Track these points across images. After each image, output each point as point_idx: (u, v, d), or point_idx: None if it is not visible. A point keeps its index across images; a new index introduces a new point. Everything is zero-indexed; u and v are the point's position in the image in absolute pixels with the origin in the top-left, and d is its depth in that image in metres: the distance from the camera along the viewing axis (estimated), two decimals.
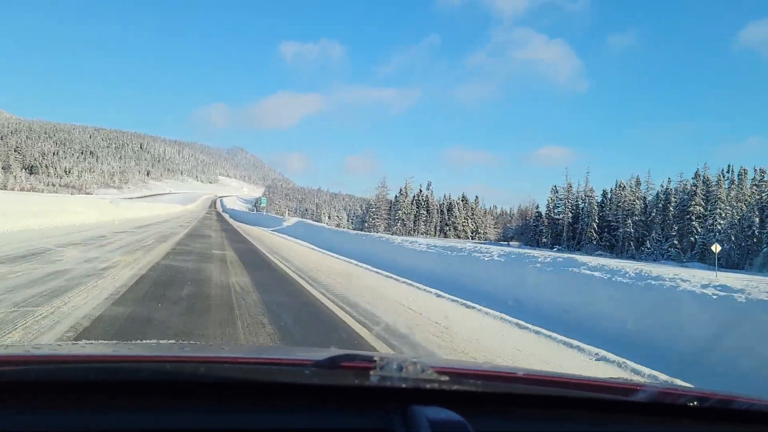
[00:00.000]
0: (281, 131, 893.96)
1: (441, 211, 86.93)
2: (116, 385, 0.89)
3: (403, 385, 0.91)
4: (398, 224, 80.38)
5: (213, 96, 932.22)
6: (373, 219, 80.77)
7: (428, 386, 0.93)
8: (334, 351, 1.08)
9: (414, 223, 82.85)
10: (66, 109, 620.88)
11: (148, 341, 2.85)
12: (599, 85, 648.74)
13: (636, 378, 3.70)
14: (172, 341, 2.82)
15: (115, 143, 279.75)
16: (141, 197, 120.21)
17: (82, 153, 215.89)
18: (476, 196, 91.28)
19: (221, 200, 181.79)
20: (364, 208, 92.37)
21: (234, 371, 0.98)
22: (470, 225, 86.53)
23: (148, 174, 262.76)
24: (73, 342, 3.41)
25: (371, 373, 0.91)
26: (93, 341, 3.22)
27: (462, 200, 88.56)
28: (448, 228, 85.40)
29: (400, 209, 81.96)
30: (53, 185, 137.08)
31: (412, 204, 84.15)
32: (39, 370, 0.91)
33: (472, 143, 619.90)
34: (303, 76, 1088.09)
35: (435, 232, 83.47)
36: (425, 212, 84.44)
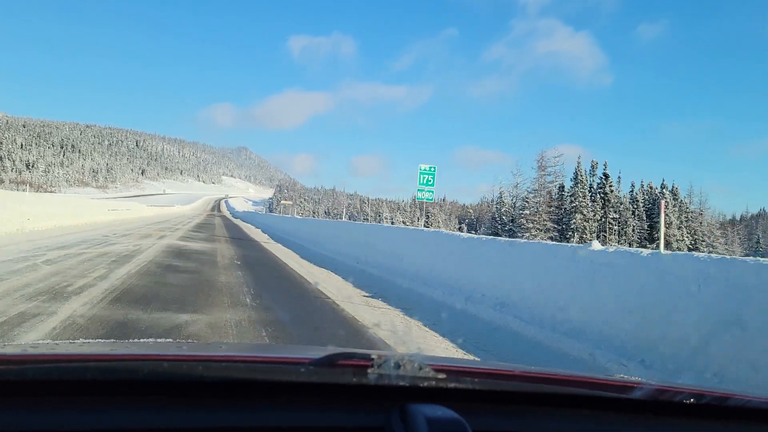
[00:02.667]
0: (287, 131, 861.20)
1: (636, 213, 50.28)
2: (114, 383, 0.87)
3: (401, 383, 0.90)
4: (575, 236, 43.79)
5: (218, 95, 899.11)
6: (516, 225, 44.07)
7: (426, 384, 0.92)
8: (331, 349, 1.05)
9: (599, 232, 46.28)
10: (69, 111, 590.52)
11: (146, 340, 2.93)
12: (624, 80, 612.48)
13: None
14: (170, 340, 3.13)
15: (108, 140, 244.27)
16: (125, 197, 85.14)
17: (62, 147, 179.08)
18: (676, 188, 54.59)
19: (227, 201, 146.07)
20: (498, 207, 55.01)
21: (232, 370, 0.96)
22: (685, 236, 49.84)
23: (142, 173, 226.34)
24: (71, 341, 3.24)
25: (369, 371, 0.90)
26: (90, 340, 2.90)
27: (669, 192, 51.70)
28: (652, 242, 48.67)
29: (578, 211, 45.29)
30: (1, 182, 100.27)
31: (593, 201, 47.56)
32: (36, 369, 0.88)
33: (486, 142, 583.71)
34: (311, 73, 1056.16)
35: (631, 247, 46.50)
36: (614, 214, 47.85)
